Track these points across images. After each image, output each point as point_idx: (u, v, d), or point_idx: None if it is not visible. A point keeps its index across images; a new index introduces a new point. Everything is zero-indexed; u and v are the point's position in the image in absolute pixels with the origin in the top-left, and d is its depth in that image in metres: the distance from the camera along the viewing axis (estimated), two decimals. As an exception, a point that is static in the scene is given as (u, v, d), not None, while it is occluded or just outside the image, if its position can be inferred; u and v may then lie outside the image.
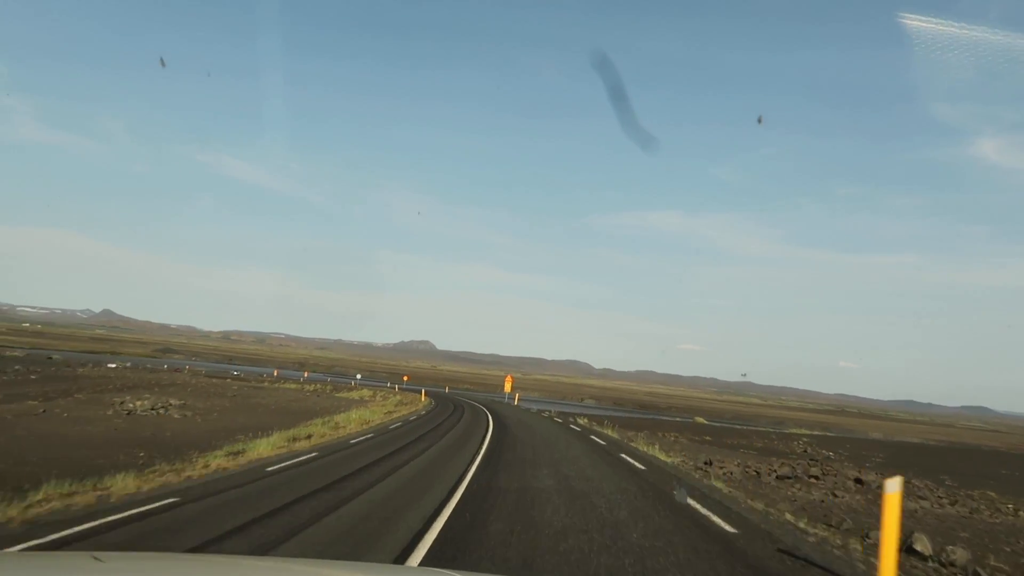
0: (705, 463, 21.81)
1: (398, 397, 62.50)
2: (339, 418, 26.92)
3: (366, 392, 69.99)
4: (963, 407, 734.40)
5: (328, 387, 77.91)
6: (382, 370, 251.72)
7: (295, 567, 3.33)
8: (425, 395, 65.30)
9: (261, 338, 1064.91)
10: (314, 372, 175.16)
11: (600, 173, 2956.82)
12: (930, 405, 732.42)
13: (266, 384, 70.33)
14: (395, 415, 35.39)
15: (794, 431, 69.49)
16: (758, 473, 20.35)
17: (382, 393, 69.43)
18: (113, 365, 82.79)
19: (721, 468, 21.06)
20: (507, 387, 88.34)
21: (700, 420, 76.50)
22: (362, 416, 29.33)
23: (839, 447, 51.38)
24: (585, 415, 63.65)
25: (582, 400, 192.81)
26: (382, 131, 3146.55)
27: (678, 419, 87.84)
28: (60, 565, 2.79)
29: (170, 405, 30.17)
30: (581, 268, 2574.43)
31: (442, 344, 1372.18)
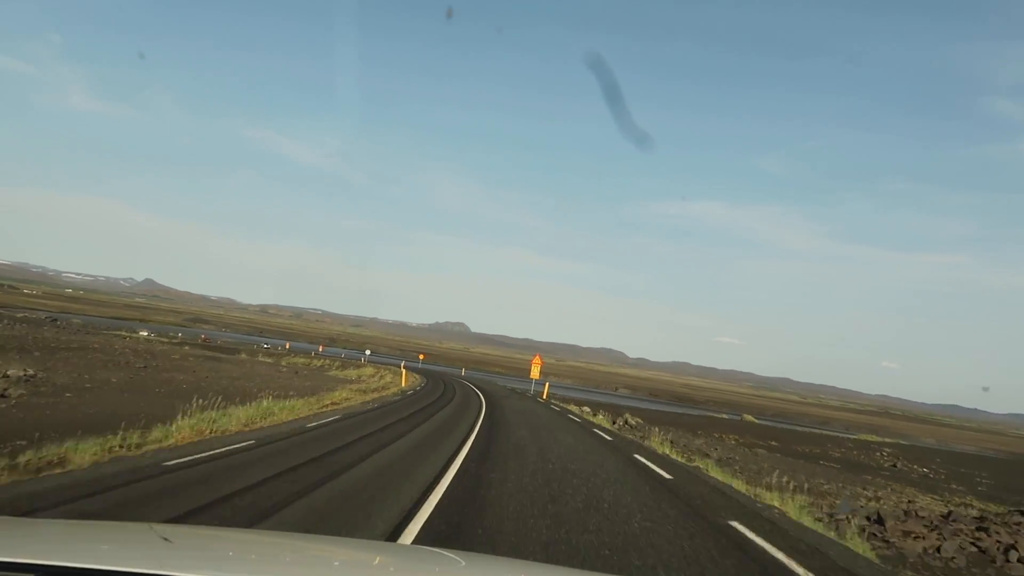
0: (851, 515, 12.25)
1: (386, 379, 51.77)
2: (270, 406, 19.76)
3: (367, 370, 62.28)
4: (1010, 414, 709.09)
5: (331, 363, 70.82)
6: (413, 349, 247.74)
7: (324, 546, 3.60)
8: (407, 376, 53.13)
9: (298, 313, 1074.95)
10: (336, 348, 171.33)
11: (642, 161, 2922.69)
12: (975, 411, 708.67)
13: (244, 356, 61.34)
14: (343, 405, 26.41)
15: (867, 438, 61.81)
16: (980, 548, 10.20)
17: (380, 373, 60.92)
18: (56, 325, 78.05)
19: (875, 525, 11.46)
20: (534, 372, 64.36)
21: (749, 418, 69.31)
22: (296, 407, 21.78)
23: (929, 461, 43.40)
24: (627, 408, 57.19)
25: (616, 389, 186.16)
26: (425, 114, 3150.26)
27: (724, 416, 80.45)
28: (123, 534, 2.97)
29: (7, 376, 21.02)
30: (619, 256, 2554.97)
31: (476, 326, 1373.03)
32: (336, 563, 2.82)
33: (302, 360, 69.08)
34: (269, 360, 60.73)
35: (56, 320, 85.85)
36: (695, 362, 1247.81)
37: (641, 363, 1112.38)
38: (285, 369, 51.71)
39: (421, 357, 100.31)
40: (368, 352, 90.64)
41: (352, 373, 55.45)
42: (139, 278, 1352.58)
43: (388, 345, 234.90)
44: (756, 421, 69.75)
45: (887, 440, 61.59)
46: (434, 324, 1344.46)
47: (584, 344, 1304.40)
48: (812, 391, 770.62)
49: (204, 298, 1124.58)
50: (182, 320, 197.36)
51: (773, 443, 42.25)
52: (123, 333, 78.41)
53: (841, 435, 67.22)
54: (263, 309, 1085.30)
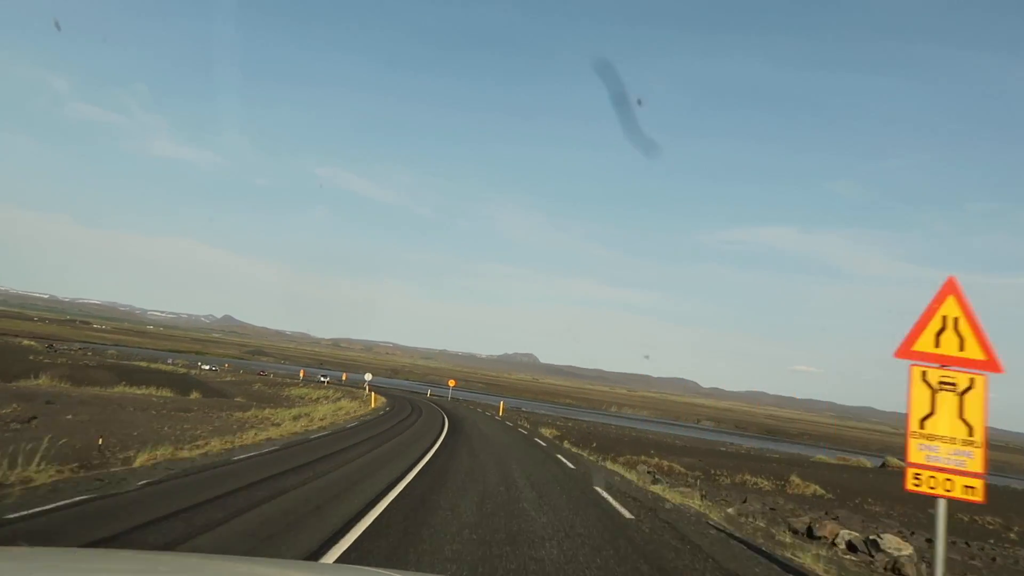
0: None
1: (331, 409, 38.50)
2: None
3: (321, 406, 51.01)
4: None
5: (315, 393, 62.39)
6: (479, 381, 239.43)
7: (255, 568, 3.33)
8: (363, 405, 44.69)
9: (369, 346, 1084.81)
10: (376, 376, 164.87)
11: (707, 188, 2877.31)
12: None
13: (240, 400, 55.27)
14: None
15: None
16: None
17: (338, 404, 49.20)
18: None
19: None
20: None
21: (894, 461, 55.41)
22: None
23: None
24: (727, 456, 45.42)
25: (698, 422, 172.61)
26: (489, 146, 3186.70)
27: (866, 463, 59.41)
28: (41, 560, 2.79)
29: None
30: (688, 284, 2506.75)
31: (545, 357, 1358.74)
32: None
33: (300, 392, 64.17)
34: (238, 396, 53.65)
35: (54, 348, 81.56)
36: (771, 391, 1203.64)
37: (715, 392, 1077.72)
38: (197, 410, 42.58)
39: (451, 384, 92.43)
40: (368, 376, 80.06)
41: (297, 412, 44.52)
42: (218, 315, 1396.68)
43: (454, 376, 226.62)
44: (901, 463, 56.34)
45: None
46: (503, 356, 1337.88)
47: (655, 374, 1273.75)
48: (899, 420, 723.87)
49: (279, 333, 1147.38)
50: (243, 353, 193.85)
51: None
52: (146, 363, 71.61)
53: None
54: (335, 343, 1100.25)
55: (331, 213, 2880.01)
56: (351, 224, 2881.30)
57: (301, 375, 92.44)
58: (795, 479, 29.17)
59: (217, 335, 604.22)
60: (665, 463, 34.34)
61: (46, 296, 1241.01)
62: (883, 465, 53.06)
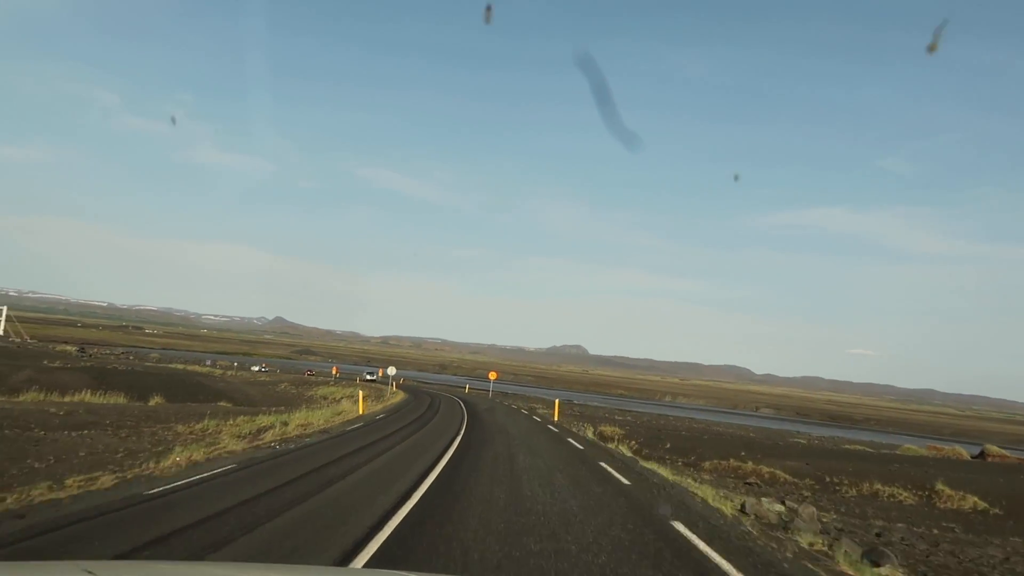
0: None
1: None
2: None
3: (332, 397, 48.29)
4: None
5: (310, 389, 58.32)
6: (528, 374, 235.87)
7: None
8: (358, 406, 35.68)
9: (418, 343, 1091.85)
10: (423, 372, 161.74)
11: (753, 171, 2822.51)
12: None
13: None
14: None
15: None
16: None
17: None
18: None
19: None
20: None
21: (994, 449, 49.07)
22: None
23: None
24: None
25: (756, 409, 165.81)
26: (531, 139, 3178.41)
27: (964, 454, 49.11)
28: (51, 574, 2.81)
29: None
30: (737, 270, 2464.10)
31: (594, 348, 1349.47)
32: None
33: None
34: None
35: (85, 352, 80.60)
36: (827, 376, 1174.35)
37: (768, 379, 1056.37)
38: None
39: (492, 376, 78.33)
40: (392, 370, 65.05)
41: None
42: (270, 316, 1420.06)
43: (504, 369, 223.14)
44: (1006, 453, 49.44)
45: None
46: (551, 348, 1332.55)
47: (707, 362, 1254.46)
48: (962, 402, 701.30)
49: (330, 332, 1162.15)
50: (291, 352, 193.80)
51: None
52: (182, 366, 69.98)
53: None
54: (385, 340, 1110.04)
55: (375, 213, 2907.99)
56: (396, 223, 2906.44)
57: (334, 372, 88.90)
58: (943, 487, 22.90)
59: (269, 336, 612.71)
60: (764, 469, 28.14)
61: (104, 304, 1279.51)
62: (981, 454, 47.15)
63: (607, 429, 41.07)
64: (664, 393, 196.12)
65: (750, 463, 29.40)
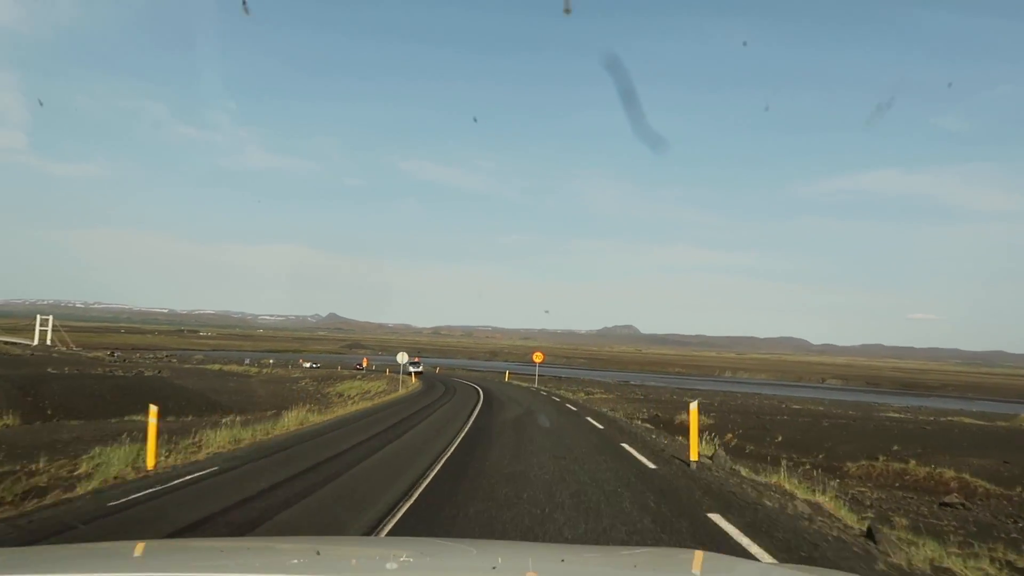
0: None
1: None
2: None
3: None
4: None
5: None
6: (581, 356, 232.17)
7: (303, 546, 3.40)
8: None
9: (468, 331, 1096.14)
10: (473, 359, 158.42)
11: (801, 137, 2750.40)
12: None
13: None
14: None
15: None
16: None
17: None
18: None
19: None
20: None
21: None
22: None
23: None
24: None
25: (823, 381, 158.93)
26: (570, 120, 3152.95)
27: None
28: (100, 554, 2.93)
29: None
30: (788, 241, 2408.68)
31: (646, 328, 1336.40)
32: (353, 562, 2.74)
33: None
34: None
35: (114, 355, 79.53)
36: (888, 343, 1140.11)
37: (827, 349, 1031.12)
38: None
39: (537, 359, 57.28)
40: (401, 358, 49.44)
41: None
42: (323, 313, 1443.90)
43: (555, 353, 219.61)
44: None
45: None
46: (602, 329, 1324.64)
47: (762, 335, 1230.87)
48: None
49: (382, 326, 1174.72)
50: (340, 347, 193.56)
51: None
52: (219, 366, 67.70)
53: None
54: (436, 331, 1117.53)
55: (421, 205, 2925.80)
56: (441, 214, 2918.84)
57: (364, 364, 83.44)
58: None
59: (322, 332, 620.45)
60: (947, 474, 19.29)
61: (165, 311, 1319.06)
62: None
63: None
64: (723, 369, 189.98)
65: (914, 463, 20.29)
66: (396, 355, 47.13)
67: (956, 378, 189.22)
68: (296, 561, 2.67)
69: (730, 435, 25.75)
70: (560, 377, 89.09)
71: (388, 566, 2.65)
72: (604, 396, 47.50)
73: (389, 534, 7.86)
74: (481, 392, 44.01)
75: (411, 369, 76.07)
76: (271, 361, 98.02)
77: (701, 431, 15.67)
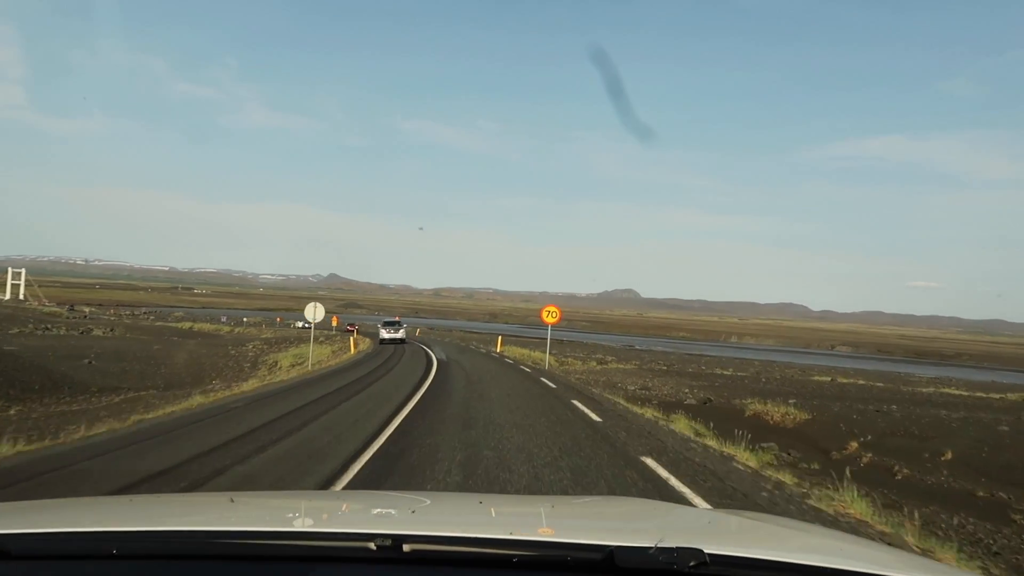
0: None
1: None
2: None
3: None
4: None
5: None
6: (582, 319, 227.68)
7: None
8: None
9: (469, 293, 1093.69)
10: (472, 321, 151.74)
11: (807, 101, 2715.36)
12: None
13: None
14: None
15: None
16: None
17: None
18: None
19: None
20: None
21: None
22: None
23: None
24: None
25: (832, 348, 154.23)
26: (572, 77, 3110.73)
27: None
28: (199, 503, 3.24)
29: None
30: (793, 207, 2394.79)
31: (647, 292, 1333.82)
32: (412, 511, 2.76)
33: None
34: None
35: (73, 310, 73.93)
36: (888, 310, 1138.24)
37: (827, 316, 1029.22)
38: None
39: (550, 320, 44.92)
40: (317, 311, 36.66)
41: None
42: (324, 273, 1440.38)
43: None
44: None
45: None
46: (603, 293, 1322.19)
47: (763, 300, 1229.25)
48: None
49: (383, 287, 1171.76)
50: (337, 307, 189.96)
51: None
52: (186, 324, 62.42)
53: None
54: (436, 292, 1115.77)
55: (422, 166, 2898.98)
56: (443, 176, 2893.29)
57: (333, 323, 71.28)
58: None
59: (322, 292, 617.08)
60: None
61: (166, 268, 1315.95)
62: None
63: (775, 411, 19.98)
64: (729, 334, 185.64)
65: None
66: (306, 309, 31.56)
67: (967, 347, 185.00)
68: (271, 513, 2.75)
69: (854, 444, 15.54)
70: (563, 341, 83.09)
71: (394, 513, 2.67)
72: (621, 367, 38.60)
73: None
74: (434, 372, 25.57)
75: (384, 335, 53.44)
76: (244, 320, 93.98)
77: (802, 434, 10.23)
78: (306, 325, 45.10)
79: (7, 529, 1.99)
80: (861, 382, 38.37)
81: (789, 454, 12.29)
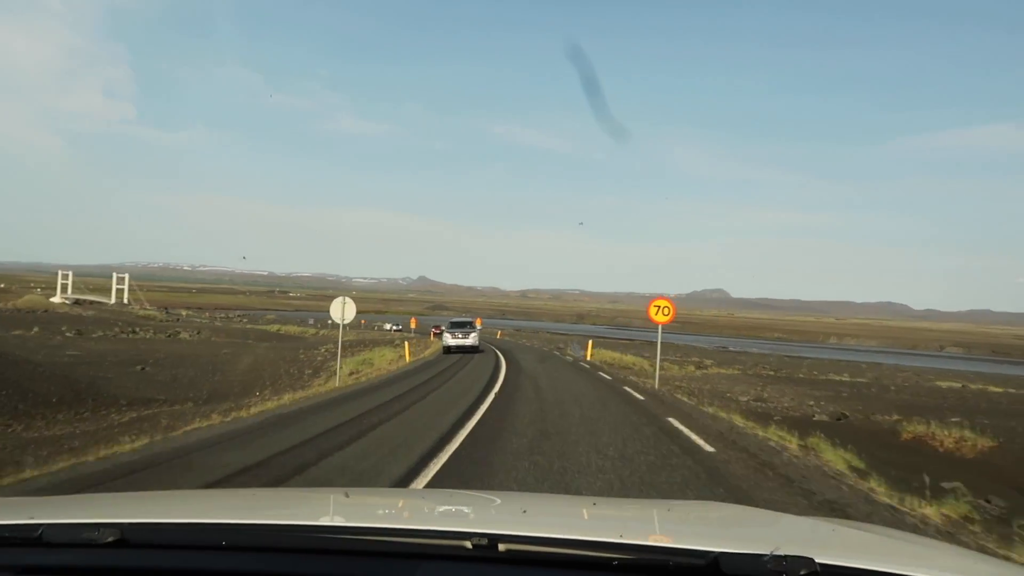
0: None
1: None
2: None
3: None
4: None
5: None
6: (673, 320, 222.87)
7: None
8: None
9: (557, 295, 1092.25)
10: (560, 323, 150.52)
11: (904, 89, 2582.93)
12: None
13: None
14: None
15: None
16: None
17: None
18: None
19: None
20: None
21: None
22: None
23: None
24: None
25: (941, 348, 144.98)
26: (660, 80, 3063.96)
27: None
28: (313, 499, 3.26)
29: None
30: (886, 202, 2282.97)
31: (736, 292, 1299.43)
32: (497, 502, 2.93)
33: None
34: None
35: (169, 313, 76.22)
36: (997, 308, 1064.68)
37: (930, 314, 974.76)
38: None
39: (660, 319, 46.55)
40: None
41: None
42: (414, 276, 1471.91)
43: (638, 316, 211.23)
44: None
45: None
46: (692, 293, 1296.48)
47: (859, 299, 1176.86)
48: None
49: (471, 289, 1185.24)
50: (424, 309, 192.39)
51: None
52: (275, 327, 63.91)
53: None
54: (523, 294, 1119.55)
55: (509, 168, 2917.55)
56: (529, 178, 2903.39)
57: (412, 325, 71.78)
58: None
59: (412, 295, 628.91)
60: None
61: (265, 273, 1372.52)
62: None
63: (944, 434, 15.62)
64: (827, 335, 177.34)
65: None
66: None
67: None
68: (328, 507, 2.82)
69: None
70: (652, 343, 79.87)
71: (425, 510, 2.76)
72: (723, 372, 34.54)
73: None
74: (489, 401, 16.57)
75: (450, 341, 42.39)
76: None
77: (992, 468, 6.80)
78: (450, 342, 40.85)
79: (125, 519, 2.04)
80: (996, 389, 33.35)
81: (989, 501, 8.18)
